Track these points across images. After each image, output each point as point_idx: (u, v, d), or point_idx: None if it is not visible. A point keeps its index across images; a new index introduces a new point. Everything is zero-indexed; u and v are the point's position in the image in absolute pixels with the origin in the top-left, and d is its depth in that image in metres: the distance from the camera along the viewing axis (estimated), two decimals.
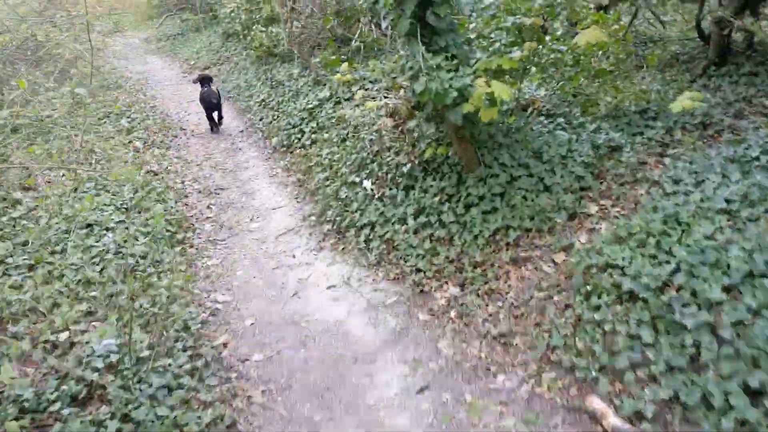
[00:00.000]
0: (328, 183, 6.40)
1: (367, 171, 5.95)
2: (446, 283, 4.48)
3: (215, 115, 9.79)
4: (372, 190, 5.71)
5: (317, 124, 7.93)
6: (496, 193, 4.80)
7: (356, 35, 8.63)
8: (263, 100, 10.06)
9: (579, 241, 4.19)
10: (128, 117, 9.81)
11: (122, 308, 3.99)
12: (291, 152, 7.90)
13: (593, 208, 4.43)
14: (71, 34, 9.83)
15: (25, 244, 4.83)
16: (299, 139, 8.01)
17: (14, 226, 5.12)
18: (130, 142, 8.63)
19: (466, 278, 4.39)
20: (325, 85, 8.93)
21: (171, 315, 4.18)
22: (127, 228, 5.38)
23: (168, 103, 12.01)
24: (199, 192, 7.14)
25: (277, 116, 9.14)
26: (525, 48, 4.74)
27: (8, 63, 9.47)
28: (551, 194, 4.65)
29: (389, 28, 8.45)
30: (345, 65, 6.54)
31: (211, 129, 9.89)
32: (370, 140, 6.21)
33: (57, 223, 5.19)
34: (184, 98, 12.43)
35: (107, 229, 5.28)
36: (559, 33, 6.21)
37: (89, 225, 5.31)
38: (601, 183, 4.66)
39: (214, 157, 8.52)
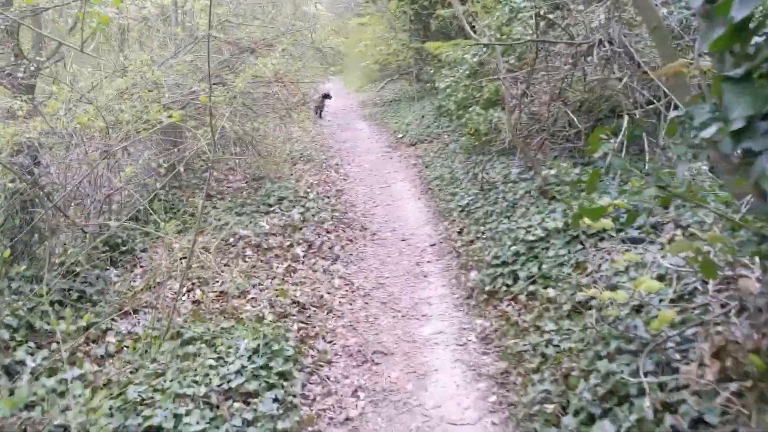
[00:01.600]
0: (551, 408, 3.61)
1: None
2: None
3: None
4: None
5: (539, 268, 5.23)
6: None
7: (623, 129, 5.84)
8: (467, 206, 7.65)
9: None
10: (303, 206, 8.07)
11: None
12: (495, 305, 5.27)
13: None
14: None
15: None
16: (508, 287, 5.36)
17: None
18: (290, 246, 6.75)
19: None
20: (554, 199, 6.24)
21: None
22: None
23: (358, 187, 10.23)
24: (349, 355, 4.81)
25: (482, 236, 6.63)
26: None
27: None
28: None
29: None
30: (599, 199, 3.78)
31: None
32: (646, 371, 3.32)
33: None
34: (378, 182, 10.59)
35: None
36: None
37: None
38: None
39: (388, 283, 6.23)
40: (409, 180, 10.49)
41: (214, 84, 5.76)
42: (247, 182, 9.09)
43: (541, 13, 9.08)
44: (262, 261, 6.39)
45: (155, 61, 6.33)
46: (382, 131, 15.85)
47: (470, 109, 8.81)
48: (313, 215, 7.90)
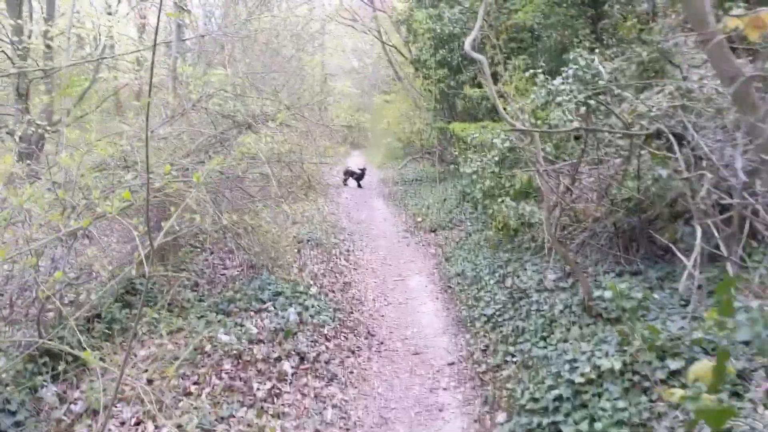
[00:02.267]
0: None
1: None
2: None
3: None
4: None
5: (591, 425, 3.96)
6: None
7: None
8: (493, 316, 6.45)
9: None
10: (302, 303, 6.94)
11: None
12: None
13: None
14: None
15: None
16: None
17: None
18: (278, 359, 5.57)
19: None
20: (600, 317, 5.05)
21: None
22: None
23: (369, 278, 9.11)
24: None
25: (512, 359, 5.40)
26: None
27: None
28: None
29: None
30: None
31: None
32: None
33: None
34: (392, 274, 9.46)
35: None
36: None
37: None
38: None
39: (394, 418, 4.97)
40: (426, 274, 9.35)
41: (198, 163, 4.80)
42: (242, 269, 8.03)
43: (582, 99, 8.20)
44: (241, 379, 5.21)
45: (134, 134, 5.44)
46: (400, 212, 14.88)
47: (499, 200, 7.76)
48: (312, 316, 6.74)
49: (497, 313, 6.43)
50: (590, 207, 5.55)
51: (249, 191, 6.35)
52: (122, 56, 9.69)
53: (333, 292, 7.98)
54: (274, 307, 6.77)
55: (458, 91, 14.80)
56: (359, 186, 19.57)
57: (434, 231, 12.29)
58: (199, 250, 8.72)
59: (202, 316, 6.39)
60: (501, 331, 6.04)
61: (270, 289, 7.14)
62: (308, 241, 10.30)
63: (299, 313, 6.69)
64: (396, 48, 19.18)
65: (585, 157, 5.17)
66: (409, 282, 8.97)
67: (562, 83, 8.51)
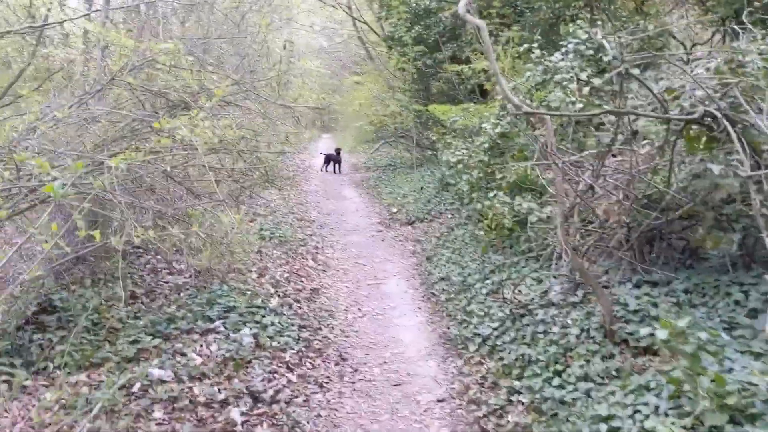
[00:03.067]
0: None
1: None
2: None
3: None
4: None
5: None
6: None
7: None
8: (488, 337, 5.38)
9: None
10: (259, 321, 5.77)
11: None
12: None
13: None
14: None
15: None
16: None
17: None
18: (224, 402, 4.40)
19: None
20: (626, 345, 4.03)
21: None
22: None
23: (340, 283, 7.95)
24: None
25: (518, 400, 4.34)
26: None
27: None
28: None
29: None
30: None
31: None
32: None
33: None
34: (367, 276, 8.32)
35: None
36: None
37: None
38: None
39: None
40: (406, 276, 8.24)
41: (112, 155, 3.56)
42: (190, 276, 6.79)
43: (584, 76, 7.13)
44: None
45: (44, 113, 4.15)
46: (373, 202, 13.73)
47: (491, 194, 6.65)
48: (271, 337, 5.58)
49: (495, 333, 5.35)
50: (613, 207, 4.47)
51: (193, 189, 5.11)
52: (52, 26, 8.22)
53: (298, 302, 6.81)
54: (225, 327, 5.58)
55: (436, 70, 13.64)
56: (338, 171, 18.52)
57: (411, 224, 11.20)
58: (141, 251, 7.45)
59: (134, 341, 5.18)
60: (501, 359, 4.97)
61: (221, 304, 5.94)
62: (271, 237, 9.07)
63: (255, 335, 5.52)
64: (368, 24, 17.87)
65: (613, 146, 4.08)
66: (386, 286, 7.85)
67: (562, 59, 7.43)
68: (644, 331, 4.46)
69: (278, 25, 14.88)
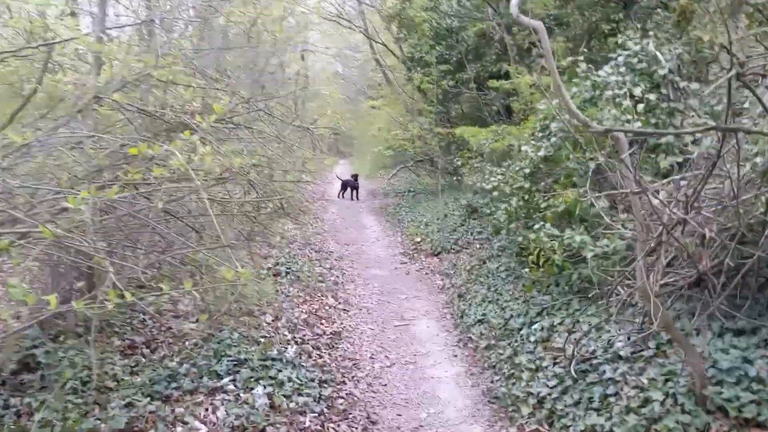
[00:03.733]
0: None
1: None
2: None
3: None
4: None
5: None
6: None
7: None
8: (545, 399, 4.53)
9: None
10: (274, 377, 4.98)
11: None
12: None
13: None
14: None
15: None
16: None
17: None
18: None
19: None
20: (724, 413, 3.20)
21: None
22: None
23: (363, 325, 7.14)
24: None
25: None
26: None
27: None
28: None
29: None
30: None
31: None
32: None
33: None
34: (392, 316, 7.51)
35: None
36: None
37: None
38: None
39: None
40: (436, 316, 7.42)
41: (102, 186, 2.84)
42: (197, 321, 6.02)
43: (640, 93, 6.36)
44: None
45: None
46: (395, 231, 12.96)
47: (535, 226, 5.85)
48: (287, 396, 4.77)
49: (552, 393, 4.50)
50: (703, 249, 3.65)
51: (196, 226, 4.38)
52: (50, 44, 7.64)
53: (318, 350, 6.02)
54: (235, 386, 4.79)
55: (461, 91, 12.95)
56: (355, 198, 17.81)
57: (437, 255, 10.40)
58: (143, 289, 6.71)
59: (128, 404, 4.40)
60: (565, 428, 4.11)
61: (230, 356, 5.16)
62: (287, 273, 8.32)
63: (269, 395, 4.72)
64: (386, 46, 17.31)
65: (712, 170, 3.29)
66: (415, 328, 7.03)
67: (611, 73, 6.69)
68: (746, 396, 3.63)
69: (293, 44, 14.36)
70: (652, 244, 3.55)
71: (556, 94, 6.91)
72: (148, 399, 4.46)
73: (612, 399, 4.10)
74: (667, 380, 4.00)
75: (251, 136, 4.48)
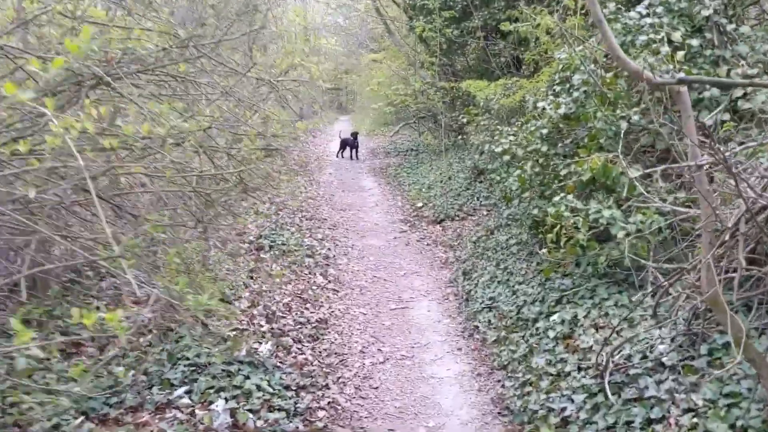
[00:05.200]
0: None
1: None
2: None
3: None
4: None
5: None
6: None
7: None
8: (570, 419, 3.66)
9: None
10: (240, 385, 4.13)
11: None
12: None
13: None
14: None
15: None
16: None
17: None
18: None
19: None
20: None
21: None
22: None
23: (355, 308, 6.27)
24: None
25: None
26: None
27: None
28: None
29: None
30: None
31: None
32: None
33: None
34: (388, 296, 6.64)
35: None
36: None
37: None
38: None
39: None
40: (438, 297, 6.55)
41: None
42: (155, 315, 5.14)
43: (677, 36, 5.28)
44: None
45: None
46: (395, 194, 12.00)
47: (555, 198, 4.89)
48: (255, 411, 3.93)
49: (581, 412, 3.63)
50: None
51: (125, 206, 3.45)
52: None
53: (299, 343, 5.17)
54: (191, 399, 3.95)
55: (465, 41, 11.77)
56: (355, 158, 16.75)
57: (440, 222, 9.49)
58: (104, 272, 5.83)
59: (55, 425, 3.57)
60: None
61: (188, 359, 4.30)
62: (271, 247, 7.42)
63: (233, 410, 3.87)
64: None
65: None
66: (414, 312, 6.17)
67: (646, 15, 5.61)
68: None
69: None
70: (726, 236, 2.60)
71: (583, 38, 5.83)
72: (81, 418, 3.63)
73: (658, 427, 3.23)
74: (730, 405, 3.11)
75: (199, 91, 3.50)
